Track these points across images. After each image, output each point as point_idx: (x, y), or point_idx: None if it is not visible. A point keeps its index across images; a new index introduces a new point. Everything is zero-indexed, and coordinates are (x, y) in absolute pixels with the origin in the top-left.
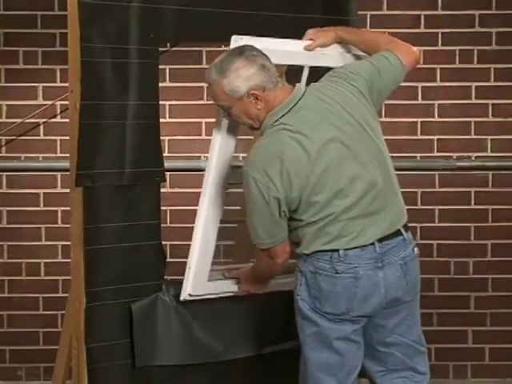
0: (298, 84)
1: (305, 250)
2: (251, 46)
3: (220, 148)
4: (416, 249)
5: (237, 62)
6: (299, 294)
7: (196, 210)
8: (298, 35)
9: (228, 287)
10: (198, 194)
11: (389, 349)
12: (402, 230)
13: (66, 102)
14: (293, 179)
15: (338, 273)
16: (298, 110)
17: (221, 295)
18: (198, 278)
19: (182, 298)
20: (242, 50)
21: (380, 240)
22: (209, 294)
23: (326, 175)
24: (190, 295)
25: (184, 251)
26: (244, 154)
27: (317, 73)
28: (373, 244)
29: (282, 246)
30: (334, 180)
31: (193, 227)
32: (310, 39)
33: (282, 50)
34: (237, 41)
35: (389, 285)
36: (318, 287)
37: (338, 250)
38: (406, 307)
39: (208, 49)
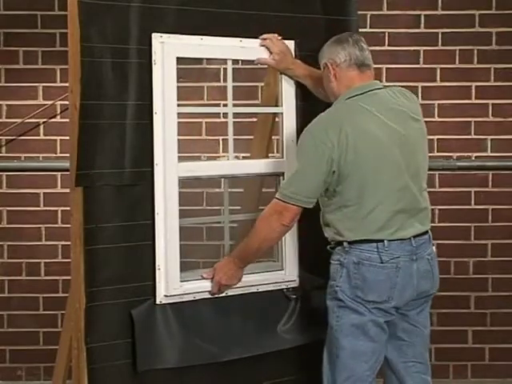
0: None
1: (350, 236)
2: (358, 37)
3: (164, 145)
4: (435, 248)
5: (336, 39)
6: (339, 285)
7: (196, 210)
8: (298, 35)
9: (204, 287)
10: (199, 193)
11: (411, 338)
12: (429, 231)
13: (66, 102)
14: (350, 140)
15: (382, 262)
16: (373, 95)
17: (197, 297)
18: (170, 278)
19: (158, 301)
20: (347, 34)
21: (414, 236)
22: (185, 295)
23: (382, 152)
24: (166, 296)
25: (185, 250)
26: (244, 154)
27: None
28: (409, 238)
29: (299, 210)
30: (390, 163)
31: (191, 226)
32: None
33: (203, 44)
34: (156, 38)
35: (420, 277)
36: (361, 277)
37: (383, 241)
38: (429, 299)
39: None
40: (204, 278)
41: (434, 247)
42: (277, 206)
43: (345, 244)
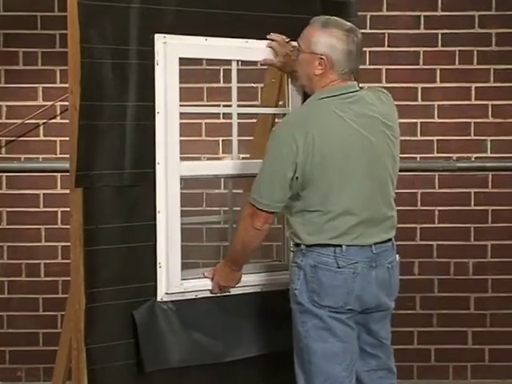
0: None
1: (308, 240)
2: (360, 38)
3: (166, 144)
4: (398, 256)
5: (338, 30)
6: (297, 288)
7: (195, 211)
8: (298, 36)
9: (205, 286)
10: (199, 194)
11: (375, 350)
12: (392, 239)
13: (66, 103)
14: (316, 144)
15: (339, 267)
16: (347, 98)
17: (199, 295)
18: (171, 275)
19: (159, 299)
20: (350, 28)
21: (375, 243)
22: (187, 293)
23: (349, 159)
24: (167, 294)
25: (184, 251)
26: (244, 155)
27: None
28: (369, 245)
29: (269, 215)
30: (356, 170)
31: (194, 228)
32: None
33: (206, 44)
34: (159, 38)
35: (379, 284)
36: (317, 281)
37: (341, 246)
38: (389, 314)
39: None
40: (205, 277)
41: (397, 256)
42: (249, 209)
43: (302, 246)
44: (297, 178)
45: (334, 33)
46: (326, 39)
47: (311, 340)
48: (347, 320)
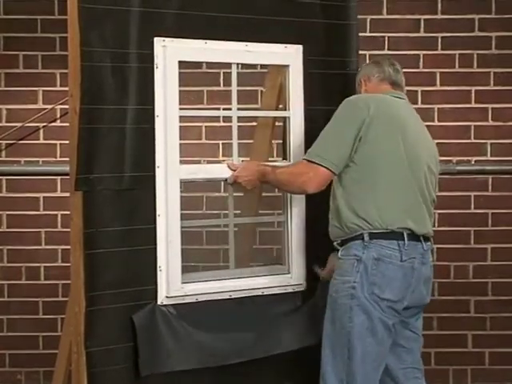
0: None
1: (374, 216)
2: (394, 61)
3: (166, 148)
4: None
5: (373, 60)
6: (356, 281)
7: (195, 214)
8: (298, 40)
9: (206, 289)
10: (199, 198)
11: (410, 344)
12: (431, 239)
13: (66, 106)
14: (383, 116)
15: (402, 261)
16: (404, 103)
17: (199, 299)
18: (172, 278)
19: (159, 302)
20: (384, 57)
21: (424, 240)
22: (187, 296)
23: (410, 145)
24: (167, 297)
25: (184, 254)
26: (244, 158)
27: None
28: (421, 242)
29: (327, 173)
30: (415, 159)
31: (194, 231)
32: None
33: (205, 47)
34: (159, 42)
35: (425, 281)
36: (380, 274)
37: (403, 239)
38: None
39: None
40: (228, 166)
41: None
42: (305, 169)
43: (365, 238)
44: (360, 137)
45: (369, 61)
46: (363, 67)
47: (354, 337)
48: (391, 326)
